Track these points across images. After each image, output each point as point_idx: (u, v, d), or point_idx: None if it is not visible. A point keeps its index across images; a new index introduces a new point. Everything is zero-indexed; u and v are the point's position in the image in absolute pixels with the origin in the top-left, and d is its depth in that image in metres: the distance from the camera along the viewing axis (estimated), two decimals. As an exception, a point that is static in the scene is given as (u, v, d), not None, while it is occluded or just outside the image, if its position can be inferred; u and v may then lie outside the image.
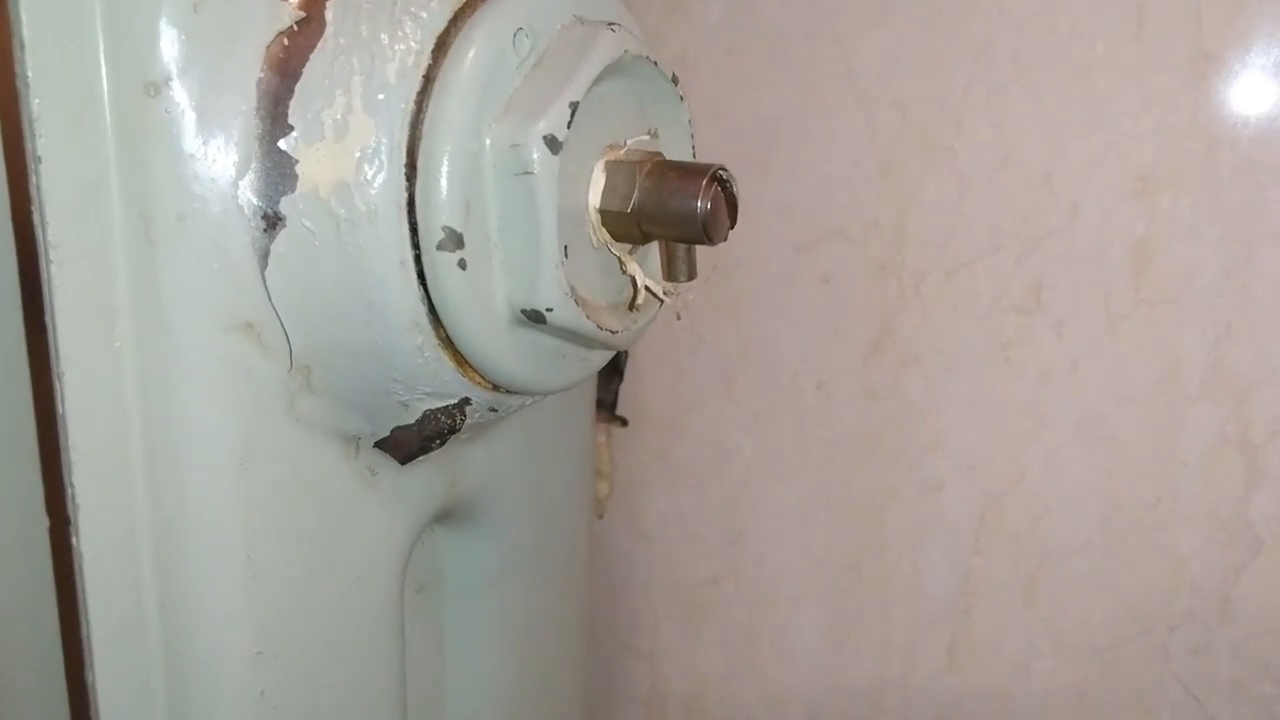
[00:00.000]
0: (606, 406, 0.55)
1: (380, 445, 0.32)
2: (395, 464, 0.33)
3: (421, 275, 0.27)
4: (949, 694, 0.48)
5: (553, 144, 0.26)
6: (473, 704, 0.42)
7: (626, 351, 0.54)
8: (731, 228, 0.29)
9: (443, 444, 0.33)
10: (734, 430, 0.51)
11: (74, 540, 0.26)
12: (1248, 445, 0.41)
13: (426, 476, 0.35)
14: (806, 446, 0.49)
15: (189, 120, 0.25)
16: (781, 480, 0.50)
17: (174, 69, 0.25)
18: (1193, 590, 0.43)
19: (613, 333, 0.30)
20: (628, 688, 0.58)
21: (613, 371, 0.54)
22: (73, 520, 0.26)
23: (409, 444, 0.32)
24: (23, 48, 0.23)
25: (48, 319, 0.25)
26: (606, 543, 0.56)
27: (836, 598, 0.50)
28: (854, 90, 0.44)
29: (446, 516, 0.38)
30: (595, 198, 0.29)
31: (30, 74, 0.23)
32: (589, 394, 0.48)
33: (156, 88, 0.25)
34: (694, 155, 0.32)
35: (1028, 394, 0.44)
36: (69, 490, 0.26)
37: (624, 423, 0.54)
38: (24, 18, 0.23)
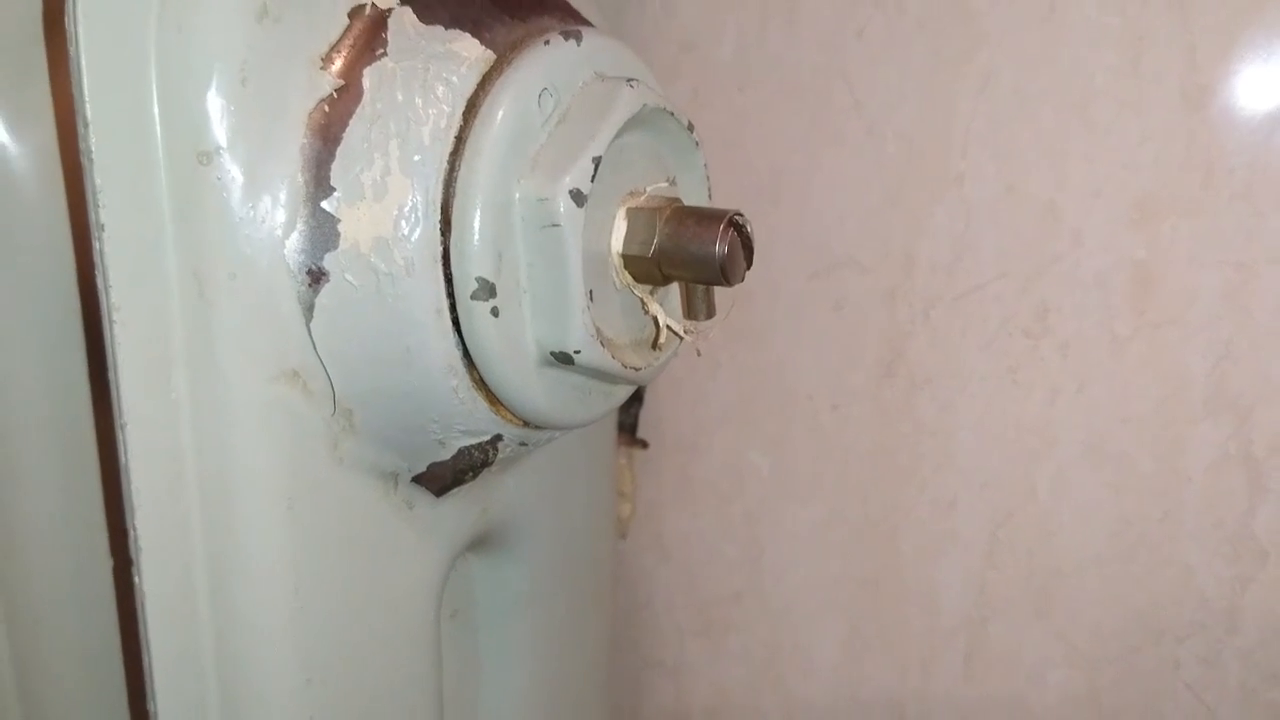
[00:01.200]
0: (627, 430, 0.56)
1: (417, 480, 0.33)
2: (431, 497, 0.34)
3: (456, 322, 0.28)
4: (966, 704, 0.50)
5: (578, 197, 0.28)
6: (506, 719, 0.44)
7: (646, 376, 0.56)
8: (748, 269, 0.31)
9: (475, 477, 0.34)
10: (752, 451, 0.52)
11: (136, 579, 0.28)
12: (1251, 460, 0.42)
13: (460, 507, 0.36)
14: (823, 466, 0.51)
15: (238, 185, 0.27)
16: (799, 499, 0.52)
17: (224, 139, 0.26)
18: (1201, 601, 0.44)
19: (636, 370, 0.31)
20: (653, 702, 0.59)
21: (633, 397, 0.56)
22: (135, 561, 0.28)
23: (444, 478, 0.34)
24: (86, 126, 0.25)
25: (110, 374, 0.26)
26: (630, 562, 0.58)
27: (855, 612, 0.52)
28: (862, 123, 0.45)
29: (479, 544, 0.39)
30: (618, 243, 0.31)
31: (93, 150, 0.25)
32: (610, 421, 0.49)
33: (208, 156, 0.26)
34: (710, 199, 0.33)
35: (1036, 414, 0.45)
36: (131, 533, 0.27)
37: (645, 445, 0.55)
38: (87, 98, 0.25)
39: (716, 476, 0.53)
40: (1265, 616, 0.43)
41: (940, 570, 0.49)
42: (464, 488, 0.35)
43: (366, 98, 0.28)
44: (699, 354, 0.32)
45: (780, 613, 0.54)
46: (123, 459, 0.27)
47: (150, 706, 0.29)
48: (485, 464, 0.34)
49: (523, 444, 0.34)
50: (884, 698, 0.52)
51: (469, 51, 0.28)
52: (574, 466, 0.44)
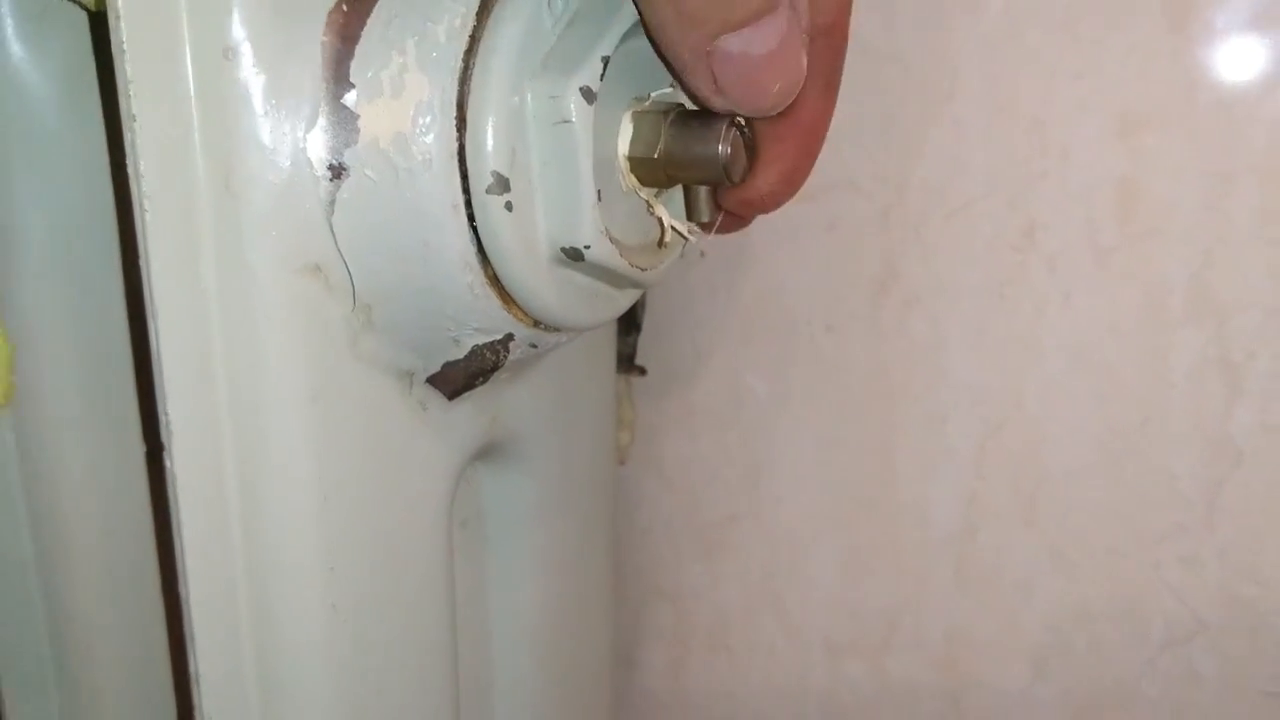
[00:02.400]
0: (626, 358, 0.57)
1: (430, 381, 0.35)
2: (443, 399, 0.36)
3: (471, 218, 0.29)
4: (958, 614, 0.51)
5: (588, 95, 0.29)
6: (515, 633, 0.45)
7: (644, 305, 0.57)
8: (749, 170, 0.32)
9: (485, 381, 0.36)
10: (749, 374, 0.54)
11: (168, 463, 0.29)
12: (1228, 365, 0.43)
13: (471, 413, 0.37)
14: (818, 387, 0.52)
15: (261, 81, 0.28)
16: (795, 420, 0.53)
17: (247, 35, 0.27)
18: (1181, 503, 0.46)
19: (642, 270, 0.32)
20: (654, 626, 0.61)
21: (631, 324, 0.57)
22: (167, 445, 0.29)
23: (456, 380, 0.35)
24: (118, 18, 0.26)
25: (142, 264, 0.27)
26: (630, 488, 0.59)
27: (851, 529, 0.53)
28: (858, 46, 0.46)
29: (487, 453, 0.40)
30: (624, 146, 0.32)
31: (125, 41, 0.26)
32: (611, 346, 0.51)
33: (233, 52, 0.27)
34: (711, 105, 0.34)
35: (1024, 327, 0.47)
36: (164, 419, 0.29)
37: (643, 372, 0.57)
38: (118, -8, 0.26)
39: (714, 401, 0.55)
40: (1241, 515, 0.45)
41: (932, 485, 0.50)
42: (474, 394, 0.37)
43: (384, -2, 0.29)
44: (702, 255, 0.34)
45: (778, 534, 0.55)
46: (154, 347, 0.28)
47: (183, 590, 0.30)
48: (496, 366, 0.35)
49: (532, 345, 0.35)
50: (879, 612, 0.53)
51: (482, -47, 0.29)
52: (578, 386, 0.46)
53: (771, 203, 0.33)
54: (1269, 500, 0.44)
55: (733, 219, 0.35)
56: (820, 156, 0.34)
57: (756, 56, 0.27)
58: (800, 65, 0.28)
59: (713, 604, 0.59)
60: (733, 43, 0.26)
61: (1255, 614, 0.45)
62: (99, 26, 0.31)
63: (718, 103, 0.28)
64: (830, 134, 0.32)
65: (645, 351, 0.56)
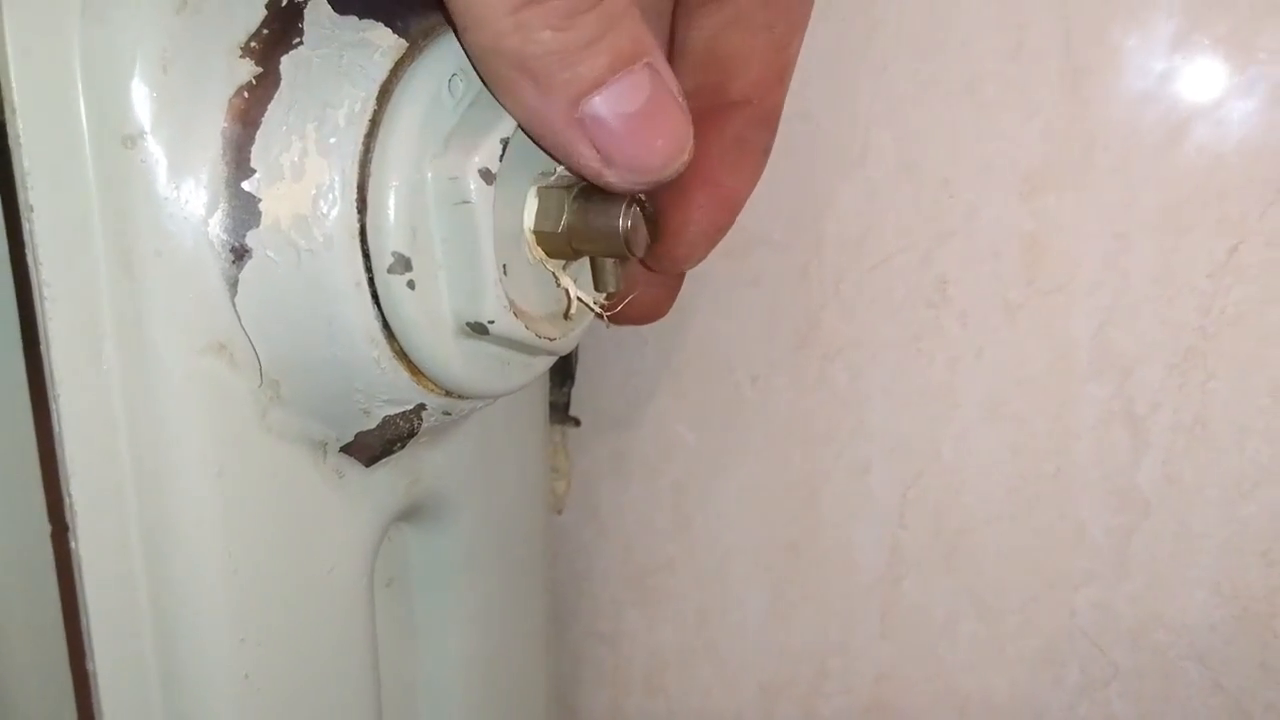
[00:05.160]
0: (560, 409, 0.58)
1: (345, 450, 0.35)
2: (360, 467, 0.36)
3: (375, 295, 0.30)
4: (885, 657, 0.52)
5: (487, 175, 0.29)
6: (444, 687, 0.46)
7: (577, 356, 0.58)
8: (651, 244, 0.33)
9: (403, 447, 0.36)
10: (679, 424, 0.54)
11: (72, 544, 0.29)
12: (1133, 418, 0.45)
13: (390, 477, 0.38)
14: (745, 436, 0.53)
15: (162, 168, 0.28)
16: (724, 469, 0.54)
17: (147, 123, 0.28)
18: (1092, 551, 0.47)
19: (550, 340, 0.33)
20: (592, 670, 0.61)
21: (565, 376, 0.58)
22: (71, 526, 0.29)
23: (372, 448, 0.35)
24: (13, 111, 0.26)
25: (42, 348, 0.28)
26: (567, 536, 0.60)
27: (779, 575, 0.54)
28: (771, 108, 0.47)
29: (411, 514, 0.41)
30: (529, 220, 0.33)
31: (21, 134, 0.26)
32: (540, 399, 0.51)
33: (132, 140, 0.28)
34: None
35: (939, 380, 0.48)
36: (67, 499, 0.29)
37: (577, 423, 0.57)
38: (13, 83, 0.26)
39: (646, 450, 0.56)
40: (1150, 562, 0.46)
41: (856, 532, 0.51)
42: (393, 459, 0.37)
43: (284, 84, 0.29)
44: (607, 326, 0.34)
45: (710, 579, 0.56)
46: (56, 427, 0.28)
47: (90, 666, 0.30)
48: (411, 434, 0.35)
49: (446, 413, 0.35)
50: (808, 654, 0.54)
51: (382, 40, 0.30)
52: (503, 442, 0.46)
53: (685, 262, 0.34)
54: (1175, 549, 0.45)
55: (646, 309, 0.35)
56: (742, 216, 0.35)
57: (628, 115, 0.26)
58: (680, 121, 0.27)
59: (649, 648, 0.59)
60: (599, 105, 0.26)
61: (1166, 659, 0.46)
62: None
63: (610, 176, 0.29)
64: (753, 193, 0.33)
65: (579, 402, 0.57)
